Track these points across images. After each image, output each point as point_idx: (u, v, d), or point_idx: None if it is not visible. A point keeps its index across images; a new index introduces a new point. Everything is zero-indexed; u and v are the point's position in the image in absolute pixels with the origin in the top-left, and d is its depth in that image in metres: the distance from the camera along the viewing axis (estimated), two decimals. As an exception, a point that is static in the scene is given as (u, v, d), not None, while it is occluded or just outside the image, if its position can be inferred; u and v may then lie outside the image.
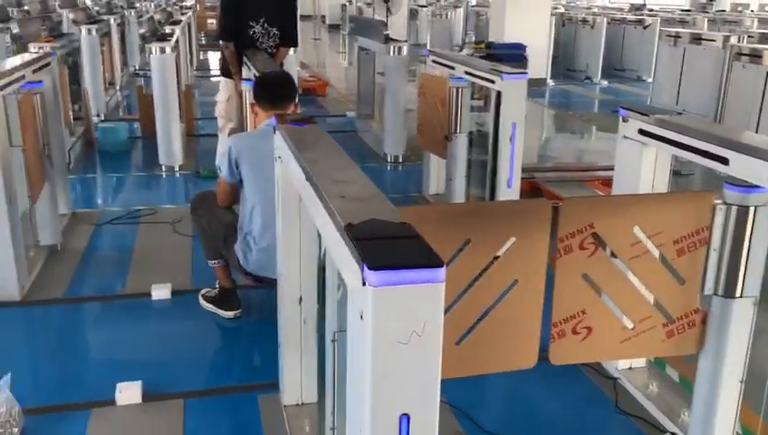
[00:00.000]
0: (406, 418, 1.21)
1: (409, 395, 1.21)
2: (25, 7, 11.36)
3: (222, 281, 3.34)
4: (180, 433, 2.48)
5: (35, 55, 4.22)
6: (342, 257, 1.32)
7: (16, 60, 3.99)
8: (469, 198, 4.78)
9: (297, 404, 2.53)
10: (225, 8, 5.02)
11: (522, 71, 4.02)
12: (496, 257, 2.02)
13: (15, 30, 7.09)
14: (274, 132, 2.37)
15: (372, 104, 7.19)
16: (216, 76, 8.18)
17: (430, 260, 1.19)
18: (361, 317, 1.20)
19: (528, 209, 2.07)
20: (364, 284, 1.16)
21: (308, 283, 2.40)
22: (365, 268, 1.15)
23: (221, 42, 4.97)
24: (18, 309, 3.37)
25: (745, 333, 2.22)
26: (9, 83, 3.46)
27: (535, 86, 9.64)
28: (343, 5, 20.50)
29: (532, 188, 4.91)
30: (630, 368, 2.87)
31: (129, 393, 2.63)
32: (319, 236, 2.25)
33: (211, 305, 3.35)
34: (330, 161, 1.87)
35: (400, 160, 6.24)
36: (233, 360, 3.13)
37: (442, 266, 1.17)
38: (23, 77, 3.67)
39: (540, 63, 10.42)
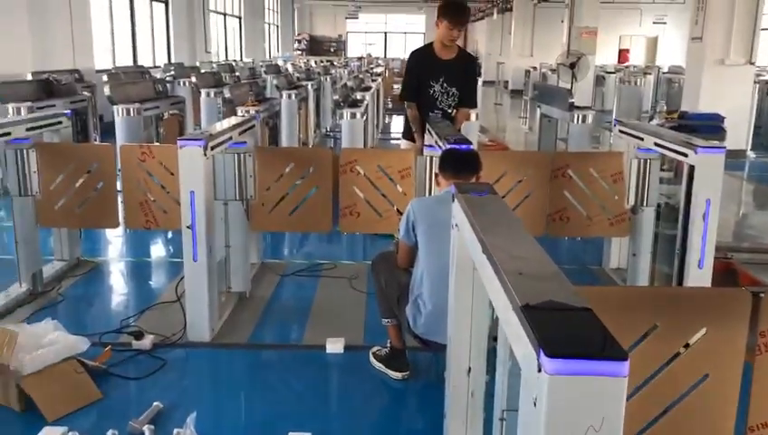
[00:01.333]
0: None
1: (582, 494, 1.13)
2: (236, 74, 12.67)
3: (393, 341, 3.39)
4: (343, 491, 2.52)
5: (242, 118, 4.65)
6: (517, 338, 1.29)
7: (226, 123, 4.43)
8: (655, 276, 4.49)
9: (460, 477, 2.46)
10: (407, 69, 5.25)
11: (719, 145, 3.76)
12: (686, 346, 1.86)
13: (227, 94, 7.90)
14: (453, 200, 2.40)
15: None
16: (396, 139, 8.52)
17: (613, 352, 1.12)
18: (535, 404, 1.15)
19: (725, 298, 1.91)
20: (540, 370, 1.13)
21: (478, 353, 2.37)
22: (541, 354, 1.12)
23: (405, 103, 5.17)
24: (207, 350, 3.65)
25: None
26: (219, 144, 3.84)
27: (734, 158, 8.94)
28: (527, 71, 20.57)
29: (725, 269, 4.50)
30: None
31: (298, 444, 2.72)
32: (491, 307, 2.22)
33: (381, 364, 3.40)
34: (508, 234, 1.86)
35: (580, 231, 6.02)
36: (398, 422, 3.14)
37: (626, 360, 1.11)
38: (230, 138, 4.06)
39: (740, 134, 9.69)
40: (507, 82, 23.91)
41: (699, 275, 3.67)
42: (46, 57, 10.03)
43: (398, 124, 14.59)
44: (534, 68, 19.92)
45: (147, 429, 2.72)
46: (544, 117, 7.16)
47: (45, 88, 7.06)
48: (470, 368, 2.39)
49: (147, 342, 3.58)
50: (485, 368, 2.34)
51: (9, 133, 4.02)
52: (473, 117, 5.65)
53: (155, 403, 2.95)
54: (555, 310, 1.27)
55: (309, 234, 6.08)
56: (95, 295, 4.55)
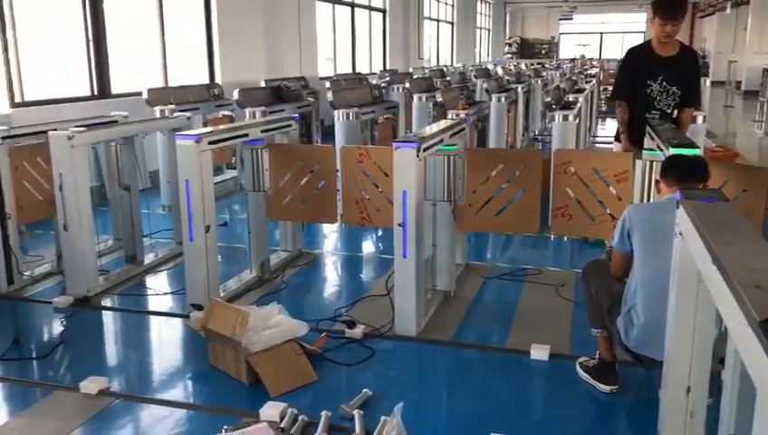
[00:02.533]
0: None
1: None
2: (447, 78, 12.93)
3: (603, 352, 3.25)
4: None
5: (453, 121, 4.74)
6: (754, 356, 1.18)
7: (437, 126, 4.54)
8: None
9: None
10: (621, 66, 4.97)
11: None
12: None
13: (438, 98, 8.10)
14: (678, 207, 2.24)
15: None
16: (608, 142, 8.14)
17: None
18: (774, 430, 1.05)
19: None
20: (781, 392, 1.02)
21: (699, 372, 2.20)
22: (784, 374, 1.01)
23: (615, 102, 4.90)
24: (413, 344, 3.77)
25: None
26: (431, 146, 3.95)
27: None
28: (764, 70, 18.55)
29: None
30: None
31: (498, 446, 2.71)
32: (717, 323, 2.05)
33: (588, 376, 3.28)
34: (744, 245, 1.70)
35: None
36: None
37: None
38: (441, 141, 4.16)
39: None
40: (740, 82, 21.76)
41: None
42: (277, 66, 11.01)
43: (611, 128, 13.95)
44: (773, 66, 17.89)
45: (356, 413, 2.88)
46: (785, 119, 6.41)
47: (276, 94, 7.76)
48: (689, 387, 2.23)
49: (358, 331, 3.78)
50: (709, 390, 2.16)
51: (247, 134, 4.48)
52: (699, 119, 5.22)
53: (364, 390, 3.11)
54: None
55: (513, 238, 6.04)
56: (313, 285, 4.90)
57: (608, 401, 3.17)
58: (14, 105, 6.69)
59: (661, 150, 3.65)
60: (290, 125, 5.00)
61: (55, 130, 4.29)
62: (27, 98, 6.92)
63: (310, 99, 8.38)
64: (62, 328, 3.97)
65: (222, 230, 5.80)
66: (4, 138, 4.40)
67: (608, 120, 14.81)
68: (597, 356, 3.29)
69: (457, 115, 5.59)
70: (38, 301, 4.44)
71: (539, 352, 3.54)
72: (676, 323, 2.24)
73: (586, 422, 3.10)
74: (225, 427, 2.79)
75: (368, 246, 5.90)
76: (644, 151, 4.09)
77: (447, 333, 3.91)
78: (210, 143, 4.01)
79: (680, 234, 2.19)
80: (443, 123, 4.69)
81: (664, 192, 2.97)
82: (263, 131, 4.65)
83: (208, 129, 4.42)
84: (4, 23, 6.62)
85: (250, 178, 4.69)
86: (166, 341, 4.04)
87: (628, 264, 3.00)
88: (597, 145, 11.25)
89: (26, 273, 4.71)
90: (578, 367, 3.35)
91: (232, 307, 3.45)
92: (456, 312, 4.21)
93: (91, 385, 3.21)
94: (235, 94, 7.26)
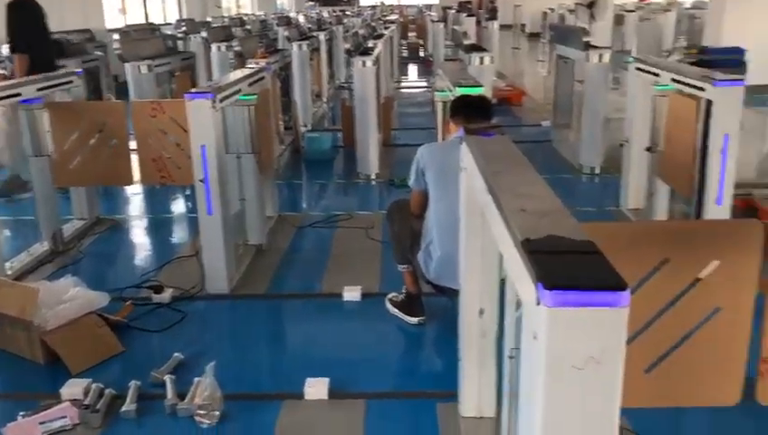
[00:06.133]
0: (579, 447, 1.14)
1: (583, 425, 1.14)
2: (247, 27, 12.54)
3: (409, 286, 3.41)
4: (361, 432, 2.57)
5: (251, 70, 4.61)
6: (518, 273, 1.28)
7: (233, 75, 4.39)
8: (673, 215, 4.44)
9: (475, 417, 2.50)
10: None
11: (737, 77, 3.65)
12: (697, 280, 1.84)
13: (237, 47, 7.83)
14: (461, 143, 2.37)
15: (569, 114, 6.95)
16: (412, 88, 8.40)
17: (613, 282, 1.11)
18: (535, 338, 1.15)
19: (735, 230, 1.87)
20: (538, 303, 1.12)
21: (489, 295, 2.37)
22: (540, 287, 1.11)
23: None
24: (226, 302, 3.70)
25: None
26: (229, 96, 3.82)
27: (758, 93, 8.71)
28: (544, 13, 20.06)
29: (746, 207, 4.43)
30: None
31: (316, 389, 2.77)
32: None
33: (397, 310, 3.43)
34: (514, 174, 1.83)
35: (597, 172, 5.96)
36: (415, 365, 3.17)
37: (626, 290, 1.09)
38: (239, 90, 4.04)
39: (764, 68, 9.41)
40: (524, 25, 23.36)
41: (717, 211, 3.62)
42: (54, 19, 9.98)
43: (413, 73, 14.42)
44: (552, 9, 19.42)
45: (168, 378, 2.79)
46: (560, 58, 7.00)
47: (56, 49, 7.03)
48: (482, 310, 2.40)
49: (166, 295, 3.63)
50: (497, 310, 2.34)
51: (19, 94, 4.03)
52: (486, 60, 5.49)
53: (175, 354, 3.01)
54: (555, 244, 1.26)
55: (327, 186, 6.10)
56: (115, 252, 4.61)
57: (416, 331, 3.34)
58: None
59: (450, 91, 3.82)
60: (71, 81, 4.57)
61: None
62: None
63: (96, 53, 7.73)
64: None
65: (8, 205, 5.27)
66: None
67: (409, 65, 15.29)
68: (404, 291, 3.44)
69: (257, 64, 5.44)
70: None
71: (351, 294, 3.64)
72: (466, 253, 2.39)
73: (397, 354, 3.25)
74: (22, 413, 2.57)
75: (175, 207, 5.64)
76: (436, 93, 4.26)
77: (261, 286, 3.88)
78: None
79: (464, 169, 2.32)
80: (239, 72, 4.55)
81: (453, 132, 3.13)
82: (39, 90, 4.21)
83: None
84: None
85: (29, 142, 4.25)
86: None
87: (425, 201, 3.15)
88: (402, 90, 11.59)
89: None
90: (387, 303, 3.49)
91: (19, 285, 3.16)
92: (269, 264, 4.18)
93: None
94: (4, 50, 6.48)
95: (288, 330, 3.52)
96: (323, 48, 9.74)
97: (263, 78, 4.65)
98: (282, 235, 4.67)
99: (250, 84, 4.29)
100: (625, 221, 4.56)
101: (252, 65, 5.27)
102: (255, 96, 4.20)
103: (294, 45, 7.81)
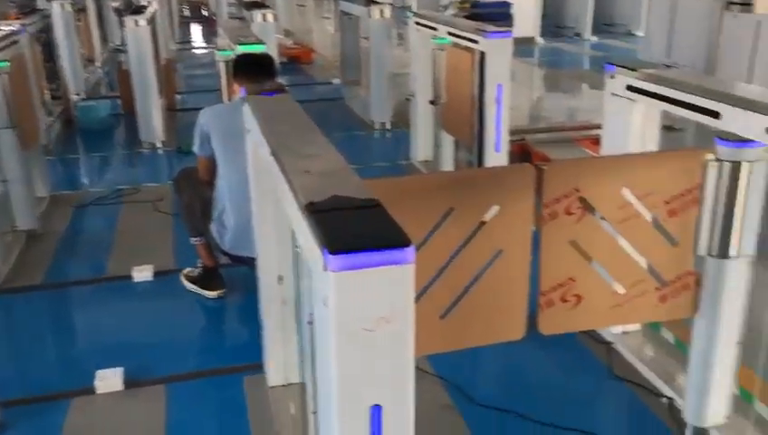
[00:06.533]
0: (377, 409, 1.12)
1: (380, 385, 1.12)
2: (-2, -15, 11.05)
3: (205, 260, 3.25)
4: (162, 420, 2.41)
5: (2, 33, 4.05)
6: (305, 239, 1.22)
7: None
8: (458, 164, 4.67)
9: (283, 385, 2.45)
10: None
11: (506, 29, 3.87)
12: (482, 224, 1.92)
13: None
14: (244, 103, 2.24)
15: (358, 70, 7.02)
16: (197, 49, 7.97)
17: (396, 239, 1.08)
18: (325, 304, 1.10)
19: (511, 175, 1.97)
20: (326, 269, 1.07)
21: (287, 261, 2.31)
22: (325, 252, 1.05)
23: None
24: (-4, 298, 3.29)
25: (741, 295, 2.14)
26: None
27: (524, 45, 9.45)
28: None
29: (522, 151, 4.79)
30: (624, 332, 2.79)
31: (109, 381, 2.55)
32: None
33: (194, 286, 3.26)
34: (298, 134, 1.76)
35: (388, 127, 6.11)
36: (217, 341, 3.05)
37: (409, 246, 1.07)
38: (-13, 57, 3.53)
39: (528, 22, 10.22)
40: (308, -18, 23.20)
41: (496, 157, 3.85)
42: None
43: (197, 34, 13.75)
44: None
45: (-75, 396, 2.40)
46: (345, 15, 7.02)
47: None
48: (281, 277, 2.33)
49: None
50: (295, 276, 2.29)
51: None
52: (269, 17, 5.35)
53: (-66, 365, 2.61)
54: (339, 205, 1.21)
55: (109, 157, 5.63)
56: None
57: (216, 305, 3.21)
58: None
59: (232, 50, 3.64)
60: None
61: None
62: None
63: None
64: None
65: None
66: None
67: (192, 25, 14.55)
68: (200, 265, 3.27)
69: (9, 26, 4.79)
70: None
71: (141, 274, 3.40)
72: (259, 218, 2.29)
73: (197, 332, 3.10)
74: None
75: None
76: (217, 53, 4.04)
77: (37, 276, 3.50)
78: None
79: (249, 131, 2.21)
80: (-13, 36, 3.97)
81: (237, 92, 2.98)
82: None
83: None
84: None
85: None
86: None
87: (214, 167, 2.99)
88: (185, 52, 10.97)
89: None
90: (182, 279, 3.30)
91: None
92: (44, 251, 3.77)
93: None
94: None
95: (73, 321, 3.21)
96: (92, 7, 8.88)
97: (16, 42, 4.11)
98: (58, 217, 4.23)
99: (0, 50, 3.77)
100: (415, 174, 4.73)
101: (1, 28, 4.64)
102: (7, 63, 3.70)
103: (55, 5, 7.00)
